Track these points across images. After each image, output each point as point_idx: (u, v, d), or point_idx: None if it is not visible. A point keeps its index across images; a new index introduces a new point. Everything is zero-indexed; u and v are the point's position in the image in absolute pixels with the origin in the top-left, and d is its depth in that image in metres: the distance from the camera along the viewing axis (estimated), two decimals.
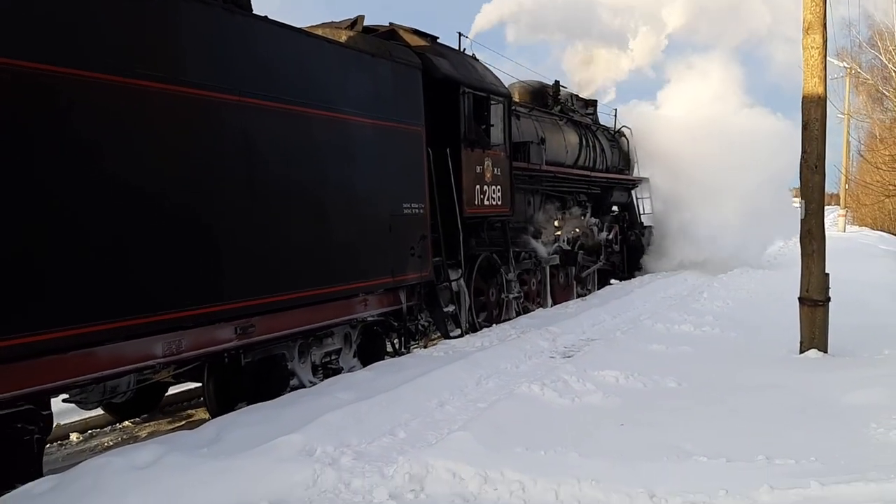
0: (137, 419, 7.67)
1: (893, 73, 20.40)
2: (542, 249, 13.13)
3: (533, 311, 12.43)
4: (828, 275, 7.97)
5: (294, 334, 7.20)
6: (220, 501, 4.52)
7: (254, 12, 6.74)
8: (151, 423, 7.58)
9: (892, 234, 32.69)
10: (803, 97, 7.96)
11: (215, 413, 6.64)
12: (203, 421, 6.61)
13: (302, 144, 7.14)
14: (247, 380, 6.83)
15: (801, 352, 7.85)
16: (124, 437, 7.13)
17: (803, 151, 7.93)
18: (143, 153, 5.63)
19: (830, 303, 7.96)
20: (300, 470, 4.86)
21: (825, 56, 7.87)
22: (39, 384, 4.97)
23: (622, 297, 13.34)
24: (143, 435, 7.09)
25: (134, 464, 4.93)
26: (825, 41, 7.84)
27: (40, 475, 5.04)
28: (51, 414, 5.40)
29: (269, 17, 6.89)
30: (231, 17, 6.40)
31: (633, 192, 19.16)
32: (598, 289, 16.00)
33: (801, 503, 4.07)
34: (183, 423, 7.51)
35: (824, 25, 7.83)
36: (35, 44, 4.86)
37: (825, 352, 7.79)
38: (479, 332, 10.09)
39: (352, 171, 7.81)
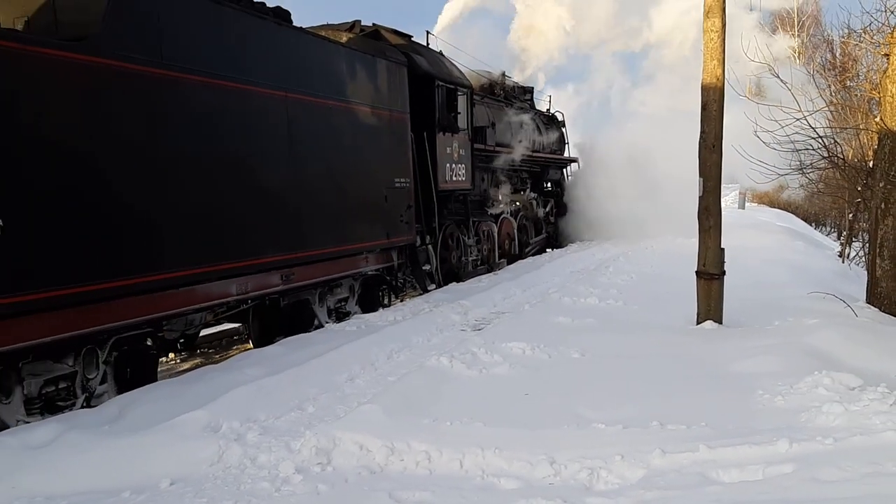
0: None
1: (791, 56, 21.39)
2: (492, 224, 15.12)
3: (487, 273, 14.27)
4: (723, 249, 8.33)
5: (317, 283, 9.05)
6: (121, 481, 4.43)
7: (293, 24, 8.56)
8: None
9: (787, 211, 34.33)
10: (703, 79, 8.25)
11: (257, 345, 8.35)
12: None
13: (327, 130, 8.92)
14: (284, 319, 8.61)
15: (698, 323, 8.20)
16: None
17: (702, 131, 8.22)
18: (231, 143, 7.31)
19: (726, 276, 8.34)
20: (205, 446, 4.81)
21: (724, 39, 8.16)
22: (159, 311, 6.59)
23: (532, 271, 13.62)
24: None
25: (29, 443, 4.79)
26: (724, 25, 8.12)
27: (155, 380, 6.64)
28: (164, 335, 7.05)
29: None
30: (281, 30, 8.16)
31: (564, 170, 20.91)
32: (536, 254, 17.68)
33: (691, 466, 4.30)
34: None
35: (723, 9, 8.12)
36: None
37: (720, 323, 8.16)
38: (391, 307, 10.36)
39: (360, 150, 9.62)
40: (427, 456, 4.67)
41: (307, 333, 8.44)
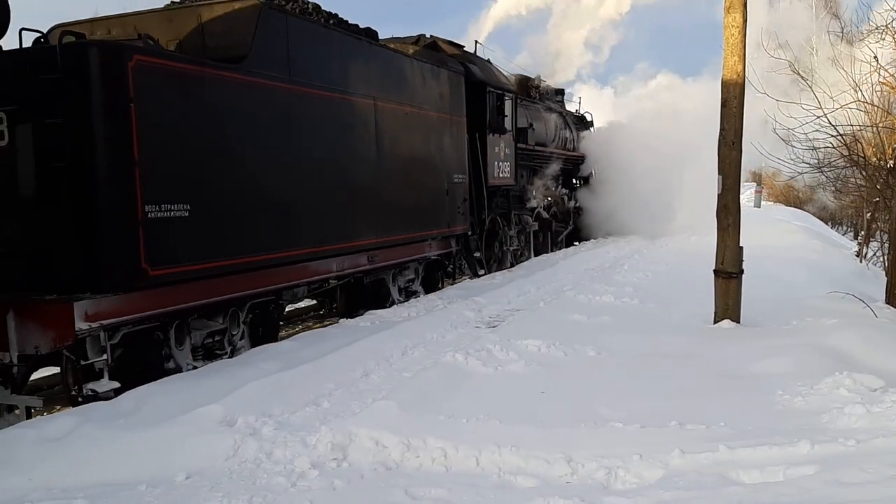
0: None
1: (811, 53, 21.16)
2: (528, 217, 16.37)
3: (521, 262, 15.31)
4: (742, 248, 8.25)
5: (393, 265, 10.50)
6: (137, 474, 4.43)
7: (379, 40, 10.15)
8: None
9: (803, 209, 34.07)
10: (723, 75, 8.16)
11: (343, 315, 9.87)
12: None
13: (404, 132, 10.30)
14: (366, 295, 10.18)
15: (715, 322, 8.13)
16: None
17: (722, 128, 8.14)
18: (338, 145, 8.66)
19: (744, 275, 8.26)
20: (220, 440, 4.81)
21: (745, 35, 8.06)
22: (280, 283, 7.99)
23: (547, 268, 13.57)
24: None
25: (46, 435, 4.79)
26: (745, 20, 8.03)
27: (276, 341, 7.91)
28: (282, 303, 8.46)
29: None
30: (371, 47, 9.62)
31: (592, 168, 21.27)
32: (566, 247, 18.49)
33: (710, 466, 4.25)
34: None
35: (744, 5, 8.02)
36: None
37: (738, 322, 8.08)
38: (406, 304, 10.31)
39: (428, 150, 11.10)
40: (443, 453, 4.64)
41: (321, 329, 8.48)
